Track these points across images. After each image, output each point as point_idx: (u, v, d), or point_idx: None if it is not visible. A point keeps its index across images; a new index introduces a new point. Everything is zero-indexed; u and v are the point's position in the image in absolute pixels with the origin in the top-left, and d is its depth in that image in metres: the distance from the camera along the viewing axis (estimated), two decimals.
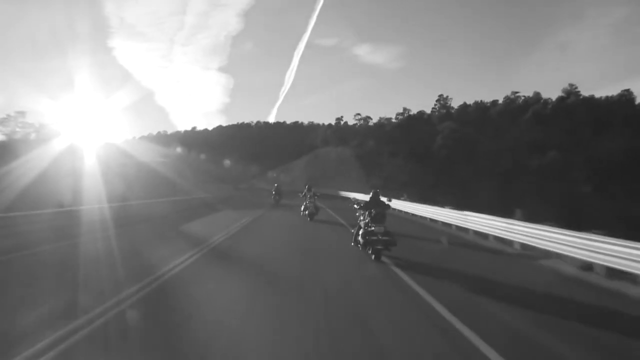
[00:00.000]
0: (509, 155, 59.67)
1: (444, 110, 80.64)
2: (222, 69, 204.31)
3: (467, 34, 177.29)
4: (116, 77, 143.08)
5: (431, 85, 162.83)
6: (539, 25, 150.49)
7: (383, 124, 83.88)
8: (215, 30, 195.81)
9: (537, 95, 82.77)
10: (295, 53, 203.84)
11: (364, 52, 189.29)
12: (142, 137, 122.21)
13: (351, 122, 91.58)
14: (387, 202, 8.12)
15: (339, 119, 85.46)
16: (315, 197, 15.43)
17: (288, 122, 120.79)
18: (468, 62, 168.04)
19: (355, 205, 8.49)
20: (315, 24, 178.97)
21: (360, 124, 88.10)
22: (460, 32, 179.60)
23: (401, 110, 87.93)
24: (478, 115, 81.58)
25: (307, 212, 15.08)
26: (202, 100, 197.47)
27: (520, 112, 77.87)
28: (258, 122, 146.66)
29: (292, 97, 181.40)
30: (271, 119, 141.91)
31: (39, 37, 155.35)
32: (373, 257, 7.40)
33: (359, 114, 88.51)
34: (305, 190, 15.65)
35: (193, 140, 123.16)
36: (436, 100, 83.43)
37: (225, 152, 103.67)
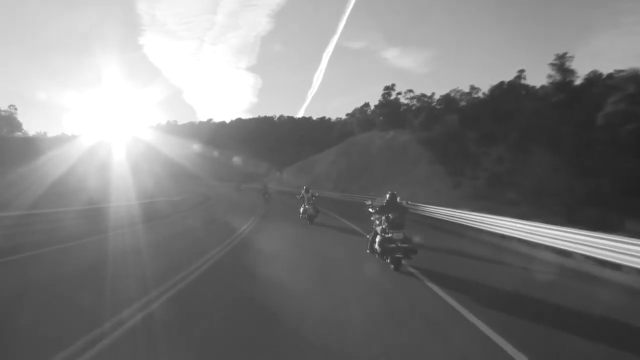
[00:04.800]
0: None
1: (560, 76, 50.31)
2: (250, 69, 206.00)
3: (497, 41, 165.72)
4: (146, 74, 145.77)
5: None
6: (572, 31, 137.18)
7: (454, 99, 54.69)
8: (244, 30, 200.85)
9: None
10: (324, 55, 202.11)
11: (393, 55, 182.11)
12: (151, 127, 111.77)
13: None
14: (405, 205, 7.37)
15: (389, 88, 56.14)
16: (313, 198, 14.34)
17: (314, 117, 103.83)
18: (498, 67, 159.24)
19: (370, 209, 7.79)
20: (345, 26, 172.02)
21: (418, 102, 59.11)
22: (489, 38, 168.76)
23: (467, 90, 58.86)
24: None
25: (306, 215, 14.13)
26: (230, 99, 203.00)
27: None
28: (281, 116, 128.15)
29: (320, 99, 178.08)
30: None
31: (72, 35, 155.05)
32: (392, 267, 6.67)
33: (411, 91, 59.39)
34: (303, 192, 14.60)
35: (207, 132, 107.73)
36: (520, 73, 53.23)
37: (241, 147, 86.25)
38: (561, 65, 52.09)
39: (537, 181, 29.48)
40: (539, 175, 30.16)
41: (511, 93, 52.21)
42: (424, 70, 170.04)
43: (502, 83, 52.84)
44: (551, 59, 52.22)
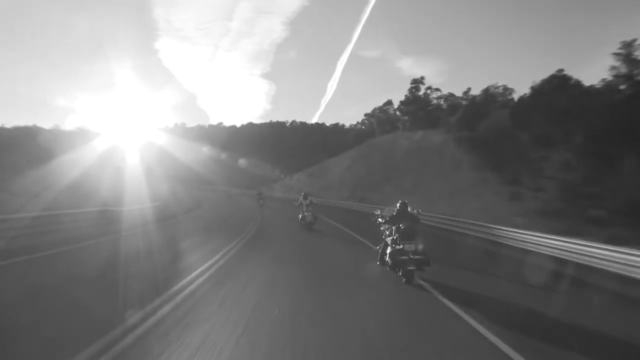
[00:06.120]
0: None
1: (627, 68, 41.81)
2: (264, 76, 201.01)
3: (512, 50, 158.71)
4: (160, 78, 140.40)
5: None
6: (586, 47, 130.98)
7: (492, 94, 46.81)
8: (259, 37, 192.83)
9: None
10: (339, 63, 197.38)
11: (407, 65, 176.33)
12: (158, 129, 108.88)
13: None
14: (416, 215, 7.04)
15: (417, 82, 48.33)
16: (311, 205, 14.33)
17: (328, 124, 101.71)
18: (515, 77, 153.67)
19: (380, 219, 7.39)
20: (360, 35, 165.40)
21: (446, 101, 51.44)
22: (504, 48, 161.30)
23: (499, 88, 50.63)
24: None
25: (304, 222, 14.17)
26: (244, 106, 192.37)
27: None
28: (294, 122, 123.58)
29: (334, 107, 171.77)
30: None
31: (88, 40, 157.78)
32: (404, 280, 6.25)
33: (438, 89, 51.52)
34: (301, 199, 14.64)
35: (217, 135, 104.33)
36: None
37: (252, 151, 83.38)
38: (628, 55, 43.52)
39: (630, 194, 21.47)
40: (630, 187, 22.09)
41: (564, 88, 43.98)
42: (439, 80, 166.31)
43: (552, 77, 44.64)
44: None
